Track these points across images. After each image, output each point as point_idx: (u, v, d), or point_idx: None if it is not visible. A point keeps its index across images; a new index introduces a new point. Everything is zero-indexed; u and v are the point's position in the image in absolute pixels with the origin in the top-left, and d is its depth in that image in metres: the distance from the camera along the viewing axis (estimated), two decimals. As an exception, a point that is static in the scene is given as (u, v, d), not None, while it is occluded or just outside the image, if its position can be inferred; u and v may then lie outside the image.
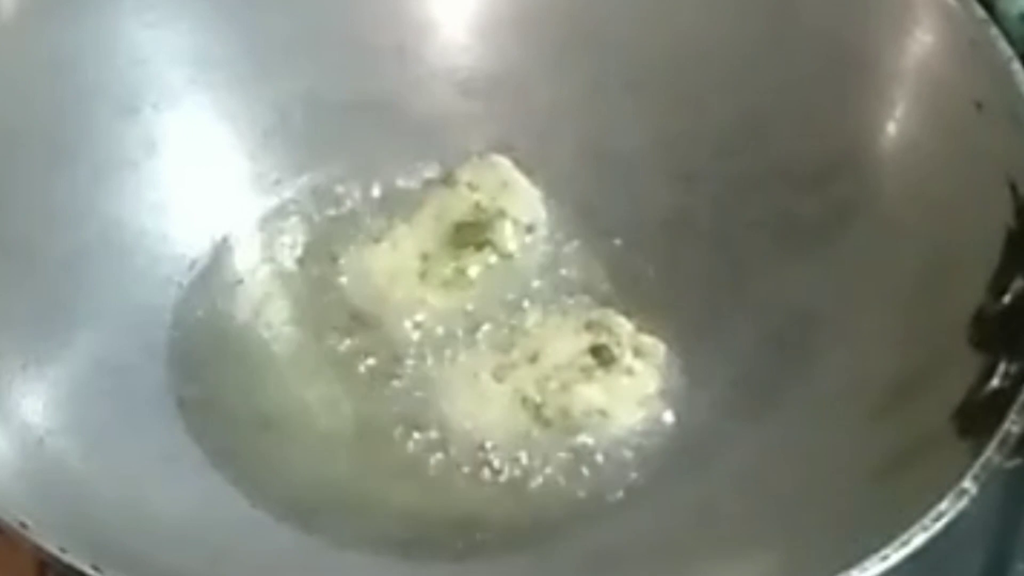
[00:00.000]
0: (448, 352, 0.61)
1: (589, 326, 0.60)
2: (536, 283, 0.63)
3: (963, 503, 0.48)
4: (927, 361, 0.55)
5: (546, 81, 0.66)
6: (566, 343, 0.60)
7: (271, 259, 0.63)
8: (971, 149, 0.57)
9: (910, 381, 0.55)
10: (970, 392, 0.52)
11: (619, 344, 0.60)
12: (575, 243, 0.64)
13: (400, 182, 0.65)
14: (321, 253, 0.63)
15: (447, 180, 0.64)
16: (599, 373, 0.59)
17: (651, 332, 0.61)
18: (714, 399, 0.59)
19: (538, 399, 0.59)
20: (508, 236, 0.63)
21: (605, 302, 0.62)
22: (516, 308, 0.62)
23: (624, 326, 0.60)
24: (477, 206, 0.63)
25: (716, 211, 0.63)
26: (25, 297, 0.56)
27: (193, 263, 0.62)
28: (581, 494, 0.57)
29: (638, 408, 0.59)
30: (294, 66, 0.65)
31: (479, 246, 0.63)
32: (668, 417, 0.59)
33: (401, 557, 0.56)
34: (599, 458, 0.58)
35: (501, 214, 0.63)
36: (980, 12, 0.58)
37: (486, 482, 0.57)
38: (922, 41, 0.59)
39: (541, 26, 0.66)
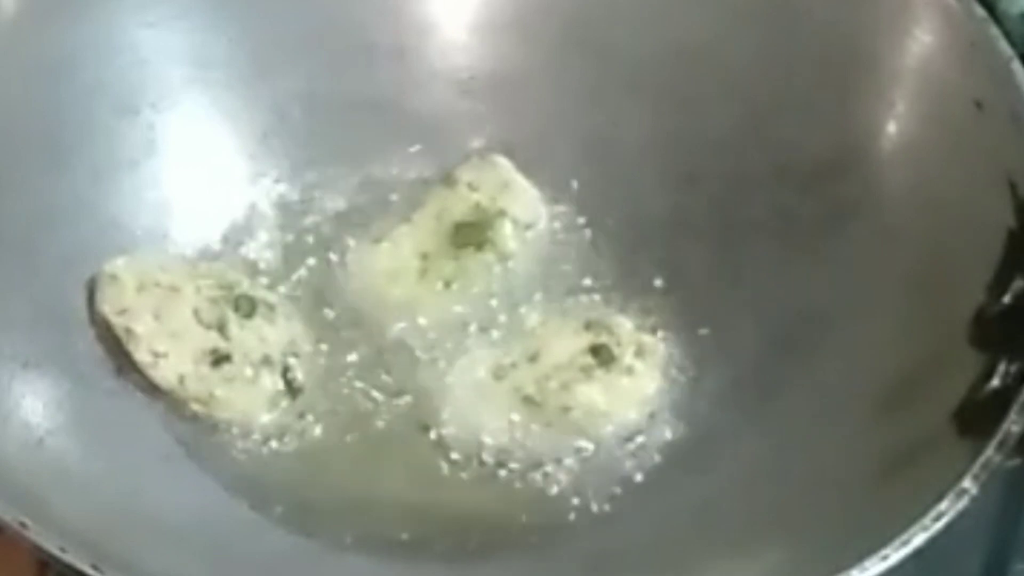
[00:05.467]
0: (448, 352, 0.61)
1: (589, 326, 0.60)
2: (536, 283, 0.63)
3: (963, 503, 0.48)
4: (927, 361, 0.55)
5: (546, 81, 0.66)
6: (566, 343, 0.60)
7: (270, 259, 0.63)
8: (971, 149, 0.57)
9: (910, 381, 0.55)
10: (970, 392, 0.52)
11: (619, 344, 0.60)
12: (575, 243, 0.64)
13: (400, 182, 0.65)
14: (321, 253, 0.63)
15: (447, 180, 0.64)
16: (599, 373, 0.59)
17: (651, 332, 0.61)
18: (714, 399, 0.59)
19: (538, 399, 0.59)
20: (508, 236, 0.63)
21: (605, 302, 0.62)
22: (516, 308, 0.62)
23: (624, 326, 0.60)
24: (477, 206, 0.63)
25: (716, 211, 0.63)
26: (25, 297, 0.56)
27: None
28: (581, 493, 0.57)
29: (638, 408, 0.59)
30: (294, 66, 0.65)
31: (479, 246, 0.63)
32: (668, 417, 0.59)
33: (401, 557, 0.56)
34: (599, 458, 0.58)
35: (501, 214, 0.63)
36: (980, 12, 0.58)
37: (486, 482, 0.58)
38: (922, 41, 0.59)
39: (541, 26, 0.66)
